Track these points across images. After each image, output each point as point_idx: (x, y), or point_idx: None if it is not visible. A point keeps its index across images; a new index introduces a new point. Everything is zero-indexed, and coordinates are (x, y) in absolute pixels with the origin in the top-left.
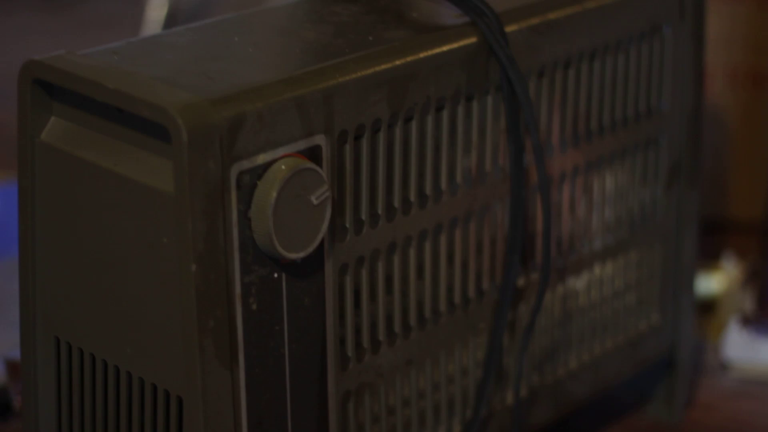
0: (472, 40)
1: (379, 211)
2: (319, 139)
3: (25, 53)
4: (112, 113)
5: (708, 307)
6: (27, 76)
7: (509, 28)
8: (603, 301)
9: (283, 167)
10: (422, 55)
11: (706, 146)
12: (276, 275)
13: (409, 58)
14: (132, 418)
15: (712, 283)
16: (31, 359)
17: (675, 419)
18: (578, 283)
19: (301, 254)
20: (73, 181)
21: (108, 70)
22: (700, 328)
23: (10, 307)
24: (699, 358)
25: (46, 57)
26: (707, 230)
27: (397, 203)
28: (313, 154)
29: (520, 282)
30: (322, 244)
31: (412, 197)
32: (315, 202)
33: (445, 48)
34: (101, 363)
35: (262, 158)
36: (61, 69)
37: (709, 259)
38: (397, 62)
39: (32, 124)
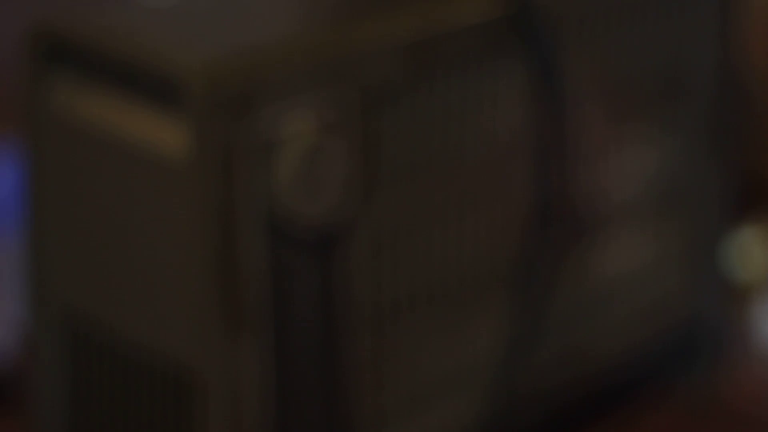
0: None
1: (402, 180)
2: (341, 106)
3: (26, 17)
4: (122, 77)
5: (736, 275)
6: (32, 39)
7: None
8: (626, 270)
9: (303, 135)
10: (446, 17)
11: (742, 106)
12: (295, 246)
13: (432, 22)
14: (153, 396)
15: (741, 249)
16: (40, 336)
17: (701, 388)
18: (602, 251)
19: (322, 224)
20: (83, 148)
21: (118, 33)
22: (726, 297)
23: (10, 285)
24: (726, 327)
25: (53, 20)
26: (743, 190)
27: (419, 170)
28: (334, 121)
29: (543, 250)
30: (342, 214)
31: (436, 164)
32: (336, 170)
33: (469, 12)
34: (114, 338)
35: (281, 125)
36: (68, 32)
37: (743, 219)
38: (419, 24)
39: (38, 89)
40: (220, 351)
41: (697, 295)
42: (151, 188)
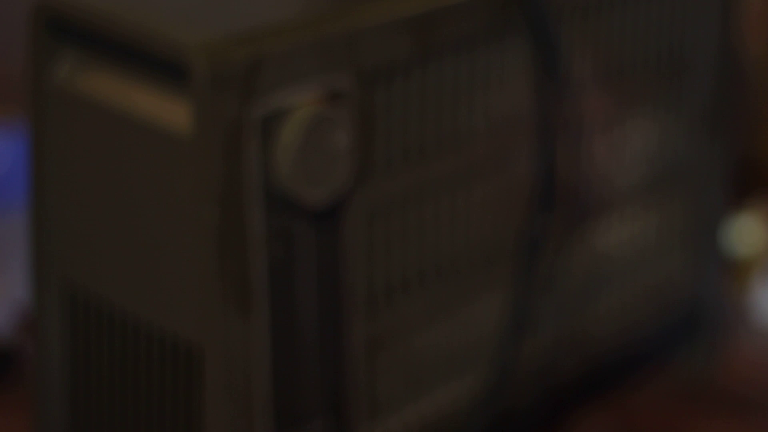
0: None
1: (404, 157)
2: (343, 82)
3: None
4: (127, 53)
5: (734, 257)
6: (37, 16)
7: None
8: (626, 250)
9: (306, 111)
10: None
11: (741, 87)
12: (298, 221)
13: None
14: (152, 371)
15: (738, 231)
16: (44, 310)
17: (700, 371)
18: (601, 231)
19: (324, 200)
20: (87, 124)
21: (123, 9)
22: (725, 279)
23: (16, 261)
24: (725, 310)
25: None
26: (737, 173)
27: (422, 149)
28: (336, 97)
29: (544, 230)
30: (345, 189)
31: (438, 143)
32: (339, 146)
33: None
34: (119, 313)
35: (284, 100)
36: (73, 9)
37: (738, 202)
38: (423, 3)
39: (43, 66)
40: (220, 324)
41: (697, 275)
42: (154, 164)
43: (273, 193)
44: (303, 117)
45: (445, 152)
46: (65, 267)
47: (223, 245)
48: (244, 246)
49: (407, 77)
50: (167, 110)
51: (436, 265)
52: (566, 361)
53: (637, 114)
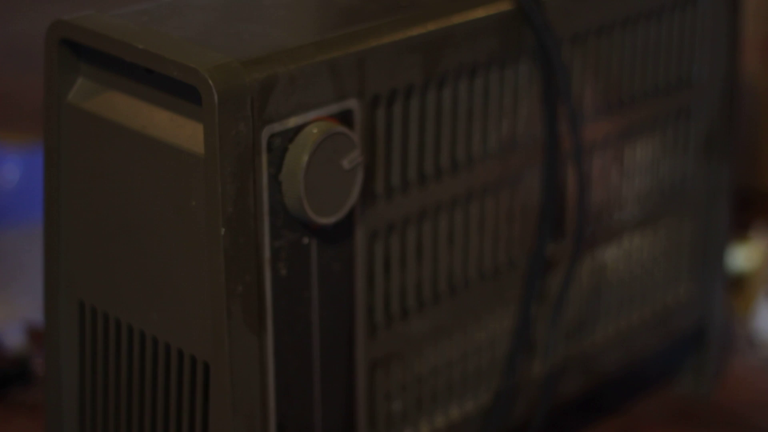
0: (507, 5)
1: (411, 178)
2: (352, 103)
3: (46, 18)
4: (141, 74)
5: (737, 281)
6: (54, 36)
7: None
8: (633, 273)
9: (314, 131)
10: (456, 19)
11: (739, 117)
12: (306, 240)
13: (443, 23)
14: (157, 385)
15: (740, 257)
16: (55, 325)
17: (704, 392)
18: (608, 253)
19: (332, 219)
20: (101, 143)
21: (137, 31)
22: (728, 302)
23: (30, 273)
24: (728, 333)
25: (74, 17)
26: (738, 201)
27: (429, 170)
28: (345, 118)
29: (551, 252)
30: (352, 209)
31: (444, 164)
32: (346, 166)
33: (479, 13)
34: (126, 328)
35: (293, 121)
36: (89, 29)
37: (740, 229)
38: (431, 27)
39: (59, 85)
40: (227, 342)
41: (703, 298)
42: (166, 182)
43: (283, 212)
44: (313, 137)
45: (456, 171)
46: (76, 282)
47: (233, 263)
48: (253, 264)
49: (418, 98)
50: (180, 130)
51: (448, 284)
52: (572, 381)
53: (645, 138)
